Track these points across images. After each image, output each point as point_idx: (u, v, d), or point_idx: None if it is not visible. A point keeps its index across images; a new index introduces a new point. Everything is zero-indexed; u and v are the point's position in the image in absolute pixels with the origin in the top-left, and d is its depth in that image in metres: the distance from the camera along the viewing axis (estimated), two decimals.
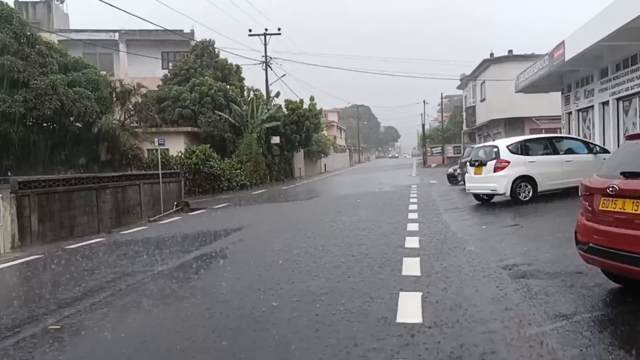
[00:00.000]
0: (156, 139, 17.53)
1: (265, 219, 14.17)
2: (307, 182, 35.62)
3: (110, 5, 39.71)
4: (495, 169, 12.56)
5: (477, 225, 10.51)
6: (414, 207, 14.46)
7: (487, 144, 14.20)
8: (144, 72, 37.95)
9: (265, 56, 35.87)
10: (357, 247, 8.40)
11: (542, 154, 12.76)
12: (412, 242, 8.56)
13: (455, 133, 58.75)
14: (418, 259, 7.18)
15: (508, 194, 12.48)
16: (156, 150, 28.34)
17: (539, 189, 12.53)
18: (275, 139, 33.12)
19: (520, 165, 12.48)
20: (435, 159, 57.01)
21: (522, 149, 12.71)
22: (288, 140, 35.30)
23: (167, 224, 14.36)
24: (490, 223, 10.39)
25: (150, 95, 32.23)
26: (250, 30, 35.99)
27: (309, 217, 13.85)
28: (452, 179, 22.68)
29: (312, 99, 37.73)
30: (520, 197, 12.46)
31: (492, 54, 37.24)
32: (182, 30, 38.41)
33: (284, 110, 35.39)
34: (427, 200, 16.68)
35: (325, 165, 55.81)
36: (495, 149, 12.82)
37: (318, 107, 38.38)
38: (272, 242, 9.66)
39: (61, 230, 12.19)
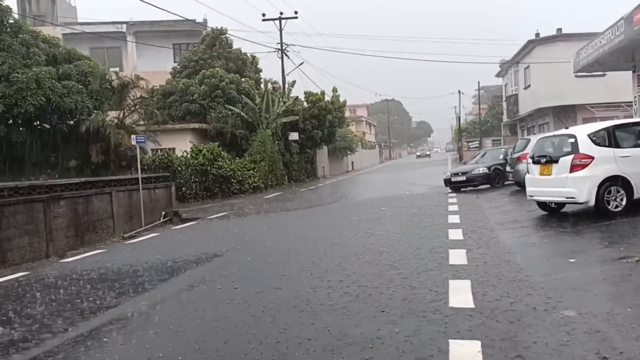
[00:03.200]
0: (134, 137, 14.47)
1: (257, 237, 10.88)
2: (329, 182, 32.27)
3: None
4: (573, 168, 8.91)
5: (559, 256, 6.98)
6: (455, 218, 10.98)
7: (558, 132, 10.48)
8: (154, 66, 35.27)
9: (281, 43, 32.63)
10: (359, 317, 4.99)
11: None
12: (459, 296, 5.14)
13: (494, 125, 54.39)
14: (478, 344, 3.80)
15: (592, 202, 8.85)
16: (160, 150, 25.67)
17: (635, 195, 8.89)
18: (294, 135, 29.87)
19: (608, 162, 8.81)
20: (473, 154, 52.72)
21: (611, 138, 9.00)
22: (308, 137, 32.01)
23: (137, 244, 11.26)
24: (581, 253, 6.81)
25: (157, 90, 29.52)
26: (264, 15, 32.78)
27: (310, 236, 10.51)
28: (453, 184, 18.64)
29: (334, 90, 34.35)
30: (609, 208, 8.82)
31: (537, 34, 33.08)
32: (195, 20, 35.58)
33: (304, 103, 32.08)
34: (472, 208, 13.14)
35: (352, 163, 52.33)
36: (572, 140, 9.15)
37: (342, 100, 34.92)
38: (246, 285, 6.39)
39: None
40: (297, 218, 14.12)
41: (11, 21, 21.45)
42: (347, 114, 69.97)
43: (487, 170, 18.30)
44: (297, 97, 32.11)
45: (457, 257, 7.01)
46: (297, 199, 21.01)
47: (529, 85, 34.67)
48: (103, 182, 12.76)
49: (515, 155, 16.03)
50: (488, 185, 18.31)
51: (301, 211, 15.49)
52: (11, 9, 20.99)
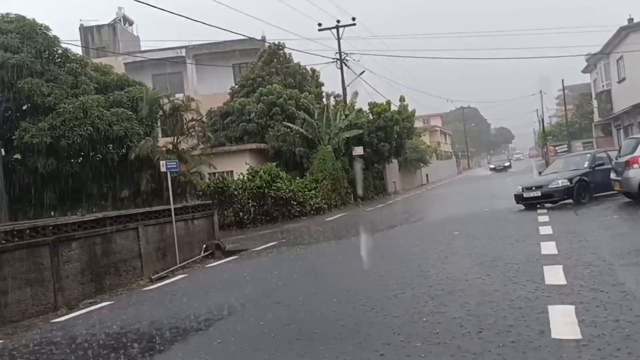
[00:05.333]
0: (164, 162, 12.94)
1: (293, 282, 8.78)
2: (400, 199, 29.73)
3: (178, 15, 36.98)
4: None
5: None
6: (551, 247, 8.36)
7: None
8: (214, 88, 34.71)
9: (339, 52, 30.68)
10: None
11: None
12: None
13: (583, 126, 49.34)
14: None
15: None
16: (215, 174, 24.40)
17: None
18: (358, 150, 27.70)
19: None
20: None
21: None
22: (375, 151, 29.70)
23: (155, 292, 9.54)
24: None
25: (214, 112, 28.56)
26: (320, 25, 31.07)
27: (354, 277, 8.29)
28: (526, 201, 15.53)
29: (402, 99, 31.92)
30: None
31: (631, 19, 29.00)
32: (253, 39, 34.61)
33: (368, 115, 29.89)
34: (570, 229, 10.36)
35: (427, 175, 49.23)
36: None
37: (410, 109, 32.39)
38: None
39: None
40: (347, 251, 11.87)
41: (60, 51, 21.07)
42: (418, 124, 67.12)
43: (568, 183, 14.82)
44: (361, 109, 29.98)
45: (562, 325, 4.55)
46: (360, 221, 18.74)
47: (623, 79, 30.48)
48: (127, 217, 11.22)
49: (623, 160, 12.89)
50: (570, 201, 14.99)
51: (354, 240, 13.21)
52: (59, 39, 20.55)
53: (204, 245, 13.56)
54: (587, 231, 9.91)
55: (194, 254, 13.21)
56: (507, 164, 60.20)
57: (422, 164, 45.52)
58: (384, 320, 5.52)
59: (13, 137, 19.56)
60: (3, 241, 8.40)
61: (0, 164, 16.36)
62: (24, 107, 19.40)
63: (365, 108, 30.57)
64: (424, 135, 55.67)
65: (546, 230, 10.34)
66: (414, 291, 6.60)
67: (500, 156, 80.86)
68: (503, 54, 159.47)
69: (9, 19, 19.62)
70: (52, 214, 20.40)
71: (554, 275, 6.50)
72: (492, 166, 60.88)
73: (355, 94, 30.70)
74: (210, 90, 34.74)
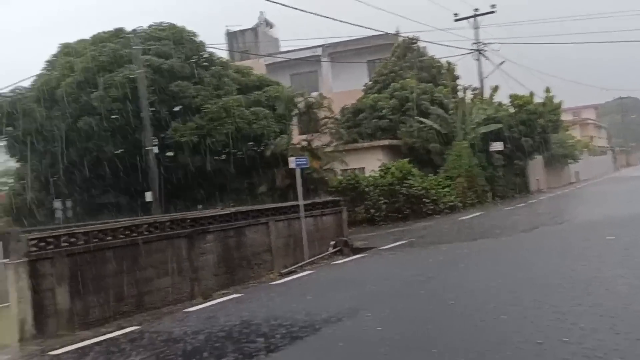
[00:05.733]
0: (294, 159, 13.15)
1: (419, 284, 8.36)
2: (543, 198, 27.40)
3: (314, 14, 37.81)
4: None
5: None
6: None
7: None
8: (349, 85, 34.91)
9: (477, 42, 29.03)
10: None
11: None
12: None
13: None
14: None
15: None
16: (347, 171, 24.49)
17: None
18: (497, 145, 26.05)
19: None
20: None
21: None
22: (516, 146, 27.72)
23: (283, 286, 9.72)
24: None
25: (347, 109, 28.76)
26: (456, 15, 29.69)
27: (482, 286, 7.60)
28: None
29: (547, 90, 29.43)
30: None
31: None
32: (387, 34, 34.23)
33: (509, 108, 27.98)
34: None
35: (576, 173, 44.93)
36: None
37: (556, 101, 29.73)
38: None
39: (119, 303, 8.47)
40: (479, 255, 11.06)
41: (205, 55, 22.62)
42: (567, 117, 61.55)
43: None
44: (500, 102, 28.16)
45: None
46: (496, 221, 17.53)
47: None
48: (258, 212, 11.61)
49: None
50: None
51: (487, 243, 12.29)
52: (204, 44, 22.08)
53: (332, 242, 13.59)
54: None
55: (322, 250, 13.29)
56: None
57: (570, 160, 41.65)
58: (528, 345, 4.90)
59: (165, 136, 21.44)
60: (146, 232, 9.07)
61: (154, 161, 17.84)
62: (175, 109, 21.08)
63: (506, 101, 28.68)
64: (573, 129, 50.91)
65: None
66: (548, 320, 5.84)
67: None
68: None
69: (162, 28, 21.44)
70: (199, 207, 22.05)
71: None
72: None
73: (496, 88, 28.82)
74: (345, 87, 35.01)
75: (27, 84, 21.60)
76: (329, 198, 15.00)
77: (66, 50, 22.05)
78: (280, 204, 12.77)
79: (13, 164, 25.88)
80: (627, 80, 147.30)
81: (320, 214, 13.52)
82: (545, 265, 8.56)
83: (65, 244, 7.96)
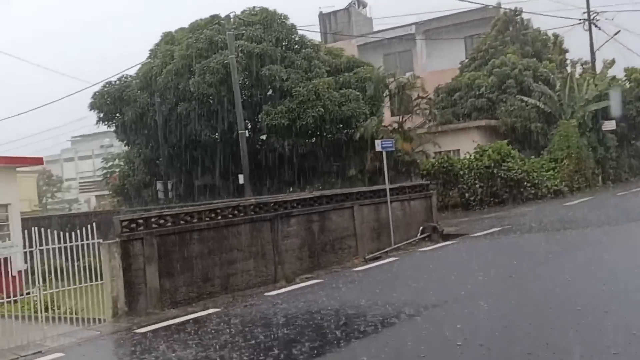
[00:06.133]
0: (379, 141, 12.72)
1: (508, 279, 7.77)
2: None
3: None
4: None
5: None
6: None
7: None
8: (445, 64, 33.49)
9: (588, 11, 26.45)
10: None
11: None
12: None
13: None
14: None
15: None
16: (440, 153, 23.54)
17: None
18: (609, 124, 23.77)
19: None
20: None
21: None
22: (632, 125, 25.17)
23: (365, 273, 9.52)
24: None
25: (441, 88, 27.64)
26: None
27: (578, 286, 6.86)
28: None
29: None
30: None
31: None
32: (487, 7, 32.31)
33: (624, 83, 25.37)
34: None
35: None
36: None
37: None
38: None
39: (205, 284, 8.73)
40: (582, 247, 10.07)
41: (296, 38, 22.70)
42: None
43: None
44: (614, 76, 25.60)
45: None
46: (605, 208, 15.99)
47: None
48: (342, 196, 11.43)
49: None
50: None
51: (595, 233, 11.17)
52: (295, 26, 22.15)
53: (421, 227, 13.12)
54: None
55: (409, 235, 12.90)
56: None
57: None
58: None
59: (257, 120, 21.89)
60: (230, 215, 9.23)
61: (244, 145, 18.25)
62: (266, 92, 21.42)
63: (621, 75, 26.03)
64: None
65: None
66: None
67: None
68: None
69: (254, 12, 21.76)
70: (290, 189, 22.40)
71: None
72: None
73: (611, 62, 26.19)
74: (440, 66, 33.63)
75: (132, 72, 22.99)
76: (418, 182, 14.46)
77: (167, 38, 23.16)
78: (365, 188, 12.53)
79: (123, 148, 27.89)
80: None
81: (408, 198, 13.07)
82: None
83: (155, 226, 8.29)
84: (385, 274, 9.09)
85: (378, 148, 12.59)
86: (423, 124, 25.34)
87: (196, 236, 8.78)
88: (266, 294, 8.32)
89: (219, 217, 9.13)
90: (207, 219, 8.96)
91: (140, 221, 8.13)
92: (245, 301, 8.00)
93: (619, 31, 26.61)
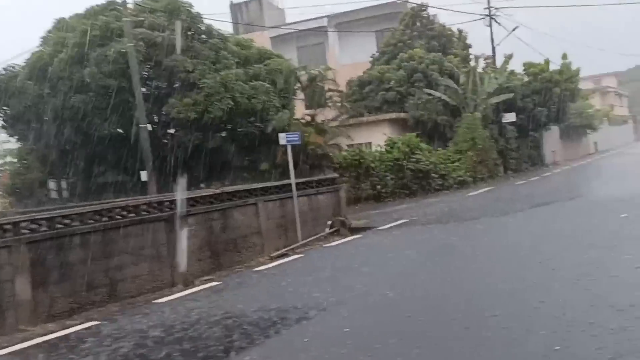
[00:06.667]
0: (283, 134, 12.37)
1: (412, 271, 7.71)
2: (558, 170, 26.38)
3: None
4: None
5: None
6: None
7: None
8: (357, 57, 33.71)
9: (489, 7, 27.61)
10: None
11: None
12: None
13: None
14: None
15: None
16: (352, 146, 23.60)
17: None
18: (510, 117, 24.98)
19: None
20: None
21: None
22: (530, 117, 26.59)
23: (273, 273, 9.14)
24: None
25: (353, 81, 27.78)
26: None
27: (477, 275, 6.90)
28: None
29: (564, 57, 28.03)
30: None
31: None
32: (395, 2, 32.85)
33: (522, 77, 26.73)
34: None
35: (595, 143, 43.45)
36: None
37: (574, 68, 28.33)
38: None
39: (88, 293, 7.92)
40: (481, 236, 10.28)
41: (203, 28, 21.76)
42: (587, 85, 59.43)
43: None
44: (513, 71, 26.89)
45: None
46: (504, 197, 16.73)
47: None
48: (245, 192, 10.94)
49: None
50: None
51: (492, 222, 11.49)
52: (201, 15, 21.19)
53: (329, 222, 12.90)
54: None
55: (318, 230, 12.64)
56: None
57: (589, 131, 40.23)
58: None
59: (163, 113, 20.77)
60: (118, 216, 8.47)
61: (147, 139, 17.22)
62: (172, 84, 20.36)
63: (520, 69, 27.42)
64: (592, 98, 49.13)
65: None
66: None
67: None
68: None
69: None
70: (202, 185, 21.50)
71: None
72: None
73: (510, 56, 27.49)
74: (353, 59, 33.85)
75: (20, 60, 21.03)
76: (326, 176, 14.25)
77: (60, 25, 21.37)
78: (270, 183, 12.09)
79: (13, 144, 25.59)
80: None
81: (316, 192, 12.82)
82: (547, 250, 7.78)
83: (26, 231, 7.38)
84: (286, 273, 8.74)
85: (282, 141, 12.18)
86: (336, 117, 25.37)
87: (78, 240, 7.93)
88: (155, 301, 7.68)
89: (105, 219, 8.33)
90: (91, 221, 8.14)
91: (8, 227, 7.20)
92: (131, 310, 7.33)
93: (517, 27, 28.00)
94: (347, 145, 23.37)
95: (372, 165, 21.67)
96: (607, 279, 5.79)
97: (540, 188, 18.51)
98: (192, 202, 9.76)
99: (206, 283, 8.89)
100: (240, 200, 10.74)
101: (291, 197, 11.89)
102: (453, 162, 22.37)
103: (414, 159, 21.36)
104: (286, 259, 10.20)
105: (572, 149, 38.00)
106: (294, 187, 11.85)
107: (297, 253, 10.77)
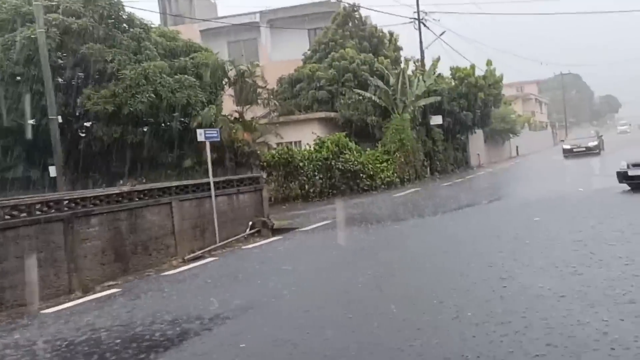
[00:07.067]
0: (202, 130, 11.79)
1: (327, 274, 7.42)
2: (482, 173, 27.20)
3: None
4: None
5: None
6: None
7: None
8: (290, 55, 33.32)
9: (418, 11, 28.08)
10: None
11: None
12: None
13: None
14: None
15: None
16: (281, 144, 23.18)
17: None
18: (436, 119, 25.46)
19: None
20: None
21: None
22: (457, 120, 27.23)
23: (183, 276, 8.61)
24: None
25: (284, 79, 27.39)
26: None
27: (383, 281, 6.71)
28: (632, 181, 12.56)
29: (488, 63, 28.94)
30: None
31: None
32: (329, 1, 32.78)
33: (450, 81, 27.32)
34: None
35: (517, 147, 45.41)
36: None
37: (498, 74, 29.30)
38: None
39: None
40: (399, 240, 10.18)
41: (125, 16, 20.63)
42: (511, 91, 62.11)
43: None
44: (440, 74, 27.44)
45: None
46: (429, 199, 16.89)
47: None
48: (159, 190, 10.27)
49: None
50: None
51: (411, 224, 11.46)
52: (122, 3, 20.04)
53: (250, 223, 12.44)
54: None
55: (238, 231, 12.15)
56: (593, 143, 31.21)
57: (511, 135, 41.95)
58: None
59: (77, 105, 19.48)
60: (7, 217, 7.63)
61: (57, 132, 16.01)
62: (88, 74, 19.14)
63: (447, 73, 28.03)
64: (515, 104, 51.35)
65: None
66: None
67: (582, 131, 42.70)
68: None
69: None
70: (120, 182, 20.35)
71: None
72: (566, 147, 32.21)
73: (437, 59, 28.05)
74: (286, 56, 33.46)
75: None
76: (248, 175, 13.75)
77: None
78: (187, 182, 11.45)
79: None
80: (567, 56, 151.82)
81: (237, 192, 12.30)
82: (454, 257, 7.72)
83: None
84: (196, 277, 8.21)
85: (200, 138, 11.56)
86: (267, 115, 24.88)
87: None
88: (44, 311, 6.94)
89: None
90: None
91: None
92: (15, 322, 6.56)
93: (444, 32, 28.72)
94: (276, 143, 22.94)
95: (301, 164, 21.37)
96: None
97: (463, 190, 18.87)
98: (95, 201, 9.01)
99: (108, 289, 8.22)
100: (152, 200, 10.06)
101: (210, 197, 11.32)
102: (381, 163, 22.45)
103: (342, 159, 21.26)
104: (200, 262, 9.66)
105: (495, 152, 39.47)
106: (212, 186, 11.29)
107: (213, 255, 10.26)
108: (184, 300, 6.64)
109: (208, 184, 11.42)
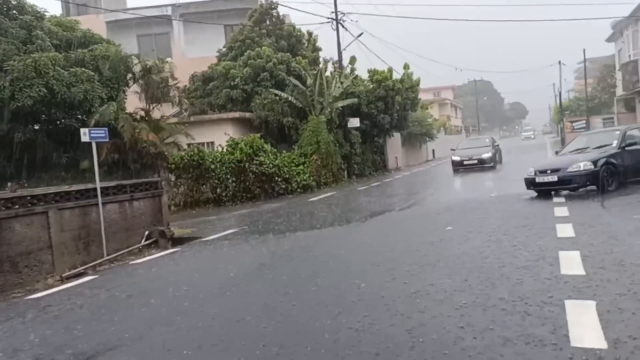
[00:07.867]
0: (86, 130, 10.46)
1: (225, 292, 6.52)
2: (399, 176, 27.19)
3: None
4: None
5: None
6: (575, 260, 5.99)
7: None
8: (205, 52, 31.87)
9: (336, 12, 27.68)
10: None
11: None
12: None
13: (604, 102, 46.12)
14: None
15: None
16: (192, 145, 21.85)
17: None
18: (354, 122, 25.11)
19: None
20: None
21: None
22: (374, 123, 27.08)
23: (51, 298, 7.31)
24: None
25: (196, 76, 26.03)
26: None
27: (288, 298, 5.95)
28: (539, 187, 12.76)
29: (406, 66, 29.04)
30: None
31: None
32: None
33: (369, 84, 27.13)
34: (599, 229, 7.91)
35: (433, 151, 46.45)
36: None
37: (415, 78, 29.52)
38: None
39: None
40: (306, 252, 9.42)
41: (14, 2, 18.59)
42: (429, 96, 63.82)
43: (592, 166, 11.97)
44: (358, 76, 27.21)
45: None
46: (343, 204, 16.37)
47: None
48: (32, 198, 8.88)
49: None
50: (593, 188, 12.39)
51: (324, 233, 10.78)
52: None
53: (146, 232, 11.24)
54: (621, 232, 7.45)
55: (132, 242, 10.93)
56: (487, 155, 26.34)
57: (427, 139, 42.77)
58: None
59: None
60: None
61: None
62: None
63: (365, 76, 27.82)
64: (431, 108, 52.65)
65: (566, 230, 7.88)
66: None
67: (476, 141, 33.16)
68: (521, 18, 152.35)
69: None
70: (9, 185, 18.28)
71: (586, 322, 4.11)
72: (455, 159, 27.04)
73: (353, 59, 27.79)
74: (201, 53, 31.98)
75: None
76: (144, 179, 12.50)
77: None
78: (68, 188, 10.05)
79: None
80: (484, 62, 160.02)
81: (130, 198, 11.04)
82: (360, 269, 7.10)
83: None
84: (69, 300, 6.99)
85: (84, 138, 10.21)
86: (177, 114, 23.45)
87: None
88: None
89: None
90: None
91: None
92: None
93: (362, 33, 28.52)
94: (187, 144, 21.60)
95: (212, 166, 20.23)
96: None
97: (379, 195, 18.52)
98: None
99: None
100: (23, 209, 8.67)
101: (97, 204, 10.03)
102: (297, 166, 21.75)
103: (257, 161, 20.35)
104: (80, 280, 8.41)
105: (412, 156, 40.04)
106: (99, 192, 10.00)
107: (98, 272, 9.01)
108: (48, 330, 5.47)
109: (95, 189, 10.11)
